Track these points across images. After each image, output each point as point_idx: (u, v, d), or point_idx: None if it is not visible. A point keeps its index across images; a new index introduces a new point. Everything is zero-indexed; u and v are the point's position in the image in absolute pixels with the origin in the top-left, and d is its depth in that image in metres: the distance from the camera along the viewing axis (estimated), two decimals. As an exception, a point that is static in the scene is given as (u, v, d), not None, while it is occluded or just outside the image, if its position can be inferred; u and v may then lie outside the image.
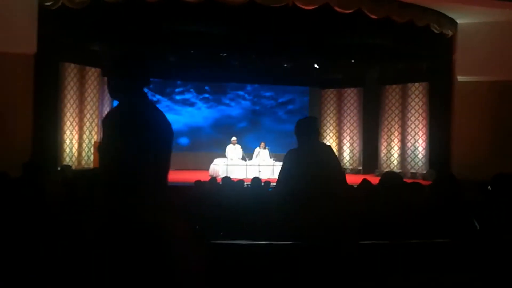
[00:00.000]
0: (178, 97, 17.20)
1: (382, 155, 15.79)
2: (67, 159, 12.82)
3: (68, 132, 12.99)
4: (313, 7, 11.37)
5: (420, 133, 14.87)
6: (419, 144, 14.91)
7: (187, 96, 17.32)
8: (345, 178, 4.20)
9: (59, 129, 12.67)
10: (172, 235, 2.76)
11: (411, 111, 15.08)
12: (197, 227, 4.67)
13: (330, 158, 4.11)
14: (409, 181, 5.91)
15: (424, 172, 14.43)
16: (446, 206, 4.12)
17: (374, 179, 6.82)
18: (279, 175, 4.24)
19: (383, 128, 15.82)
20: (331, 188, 3.86)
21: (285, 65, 14.79)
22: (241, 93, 17.96)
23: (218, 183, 8.91)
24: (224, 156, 14.30)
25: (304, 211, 3.70)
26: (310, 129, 4.18)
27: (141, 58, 2.96)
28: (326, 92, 17.49)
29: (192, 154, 16.49)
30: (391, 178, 4.46)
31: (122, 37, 12.89)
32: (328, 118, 17.41)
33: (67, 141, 12.96)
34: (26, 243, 3.26)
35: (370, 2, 11.65)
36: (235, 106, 17.85)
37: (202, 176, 11.78)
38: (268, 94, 18.27)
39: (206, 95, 17.60)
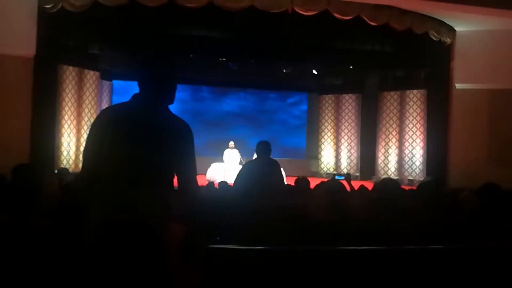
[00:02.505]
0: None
1: (380, 161, 15.82)
2: (65, 161, 12.82)
3: (66, 135, 12.98)
4: (312, 13, 11.41)
5: (418, 140, 14.91)
6: (416, 151, 14.95)
7: (185, 97, 17.33)
8: (284, 186, 5.43)
9: (57, 132, 12.66)
10: (156, 235, 2.75)
11: (409, 118, 15.12)
12: (218, 238, 4.67)
13: (274, 171, 5.60)
14: (406, 188, 5.93)
15: (422, 179, 14.44)
16: (435, 212, 4.14)
17: (371, 186, 6.84)
18: (236, 178, 5.64)
19: (380, 135, 15.86)
20: (270, 191, 4.99)
21: (284, 71, 14.82)
22: (242, 94, 17.92)
23: (215, 188, 8.91)
24: (221, 160, 14.29)
25: (250, 210, 4.41)
26: (264, 149, 5.80)
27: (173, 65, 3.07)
28: (325, 98, 17.52)
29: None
30: (387, 185, 4.49)
31: (121, 41, 12.92)
32: (326, 124, 17.44)
33: (65, 144, 12.95)
34: (21, 248, 3.25)
35: (370, 9, 11.69)
36: (234, 109, 17.83)
37: (200, 181, 11.80)
38: (271, 96, 18.28)
39: (204, 97, 17.60)
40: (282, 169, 5.94)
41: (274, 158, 6.22)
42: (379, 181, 4.94)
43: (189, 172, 2.96)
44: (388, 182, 4.82)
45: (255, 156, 6.30)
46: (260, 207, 4.38)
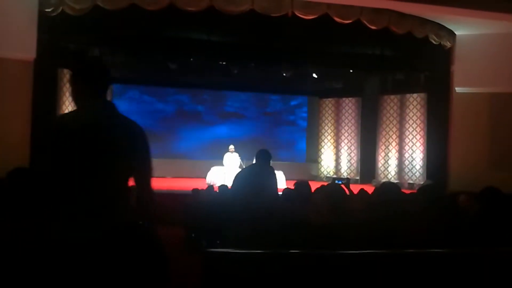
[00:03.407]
0: (173, 101, 17.18)
1: (380, 165, 15.81)
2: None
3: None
4: (312, 17, 11.43)
5: (418, 144, 14.90)
6: (416, 155, 14.94)
7: (184, 101, 17.31)
8: (276, 192, 5.67)
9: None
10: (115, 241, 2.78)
11: (409, 121, 15.11)
12: (193, 235, 4.72)
13: (270, 178, 5.74)
14: (406, 191, 5.93)
15: (422, 182, 14.43)
16: (436, 216, 4.13)
17: (371, 189, 6.83)
18: (233, 181, 5.81)
19: (381, 138, 15.85)
20: (263, 196, 5.24)
21: (284, 74, 14.80)
22: (243, 96, 17.88)
23: (215, 191, 8.91)
24: (222, 164, 14.27)
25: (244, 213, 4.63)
26: (263, 156, 6.02)
27: (100, 64, 3.16)
28: (325, 101, 17.52)
29: (189, 161, 16.49)
30: (388, 189, 4.48)
31: (122, 44, 12.92)
32: (326, 128, 17.44)
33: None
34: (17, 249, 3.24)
35: (370, 13, 11.71)
36: (235, 111, 17.82)
37: (200, 184, 11.79)
38: (273, 99, 18.26)
39: (205, 99, 17.57)
40: (282, 172, 6.10)
41: (272, 166, 6.29)
42: (379, 185, 4.93)
43: (143, 172, 2.95)
44: (388, 185, 4.82)
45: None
46: (258, 211, 4.39)
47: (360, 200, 4.91)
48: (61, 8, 11.10)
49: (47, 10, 11.20)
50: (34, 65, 11.36)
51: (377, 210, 4.08)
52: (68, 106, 13.08)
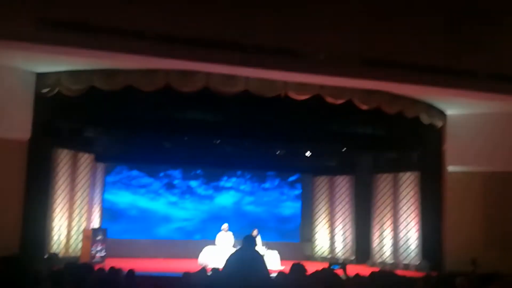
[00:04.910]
0: (167, 181, 17.11)
1: (375, 245, 15.59)
2: (55, 246, 12.55)
3: (57, 219, 12.76)
4: (305, 97, 11.64)
5: (412, 223, 14.74)
6: (411, 234, 14.75)
7: (178, 180, 17.25)
8: (268, 276, 5.71)
9: (49, 216, 12.45)
10: None
11: (403, 200, 15.04)
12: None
13: (258, 262, 5.76)
14: (401, 272, 5.81)
15: (417, 263, 14.19)
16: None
17: (367, 270, 6.70)
18: (222, 269, 5.87)
19: (375, 217, 15.71)
20: (253, 279, 5.36)
21: (278, 153, 14.93)
22: (239, 173, 17.87)
23: (207, 274, 8.70)
24: (216, 243, 14.03)
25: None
26: (249, 242, 6.00)
27: None
28: (318, 179, 17.50)
29: (182, 241, 16.22)
30: (381, 278, 4.39)
31: (116, 123, 13.04)
32: (320, 206, 17.30)
33: (56, 228, 12.71)
34: None
35: (361, 93, 11.94)
36: (228, 192, 17.74)
37: (192, 265, 11.56)
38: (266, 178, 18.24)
39: (199, 177, 17.51)
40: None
41: (257, 251, 6.32)
42: (373, 274, 4.82)
43: None
44: (384, 275, 4.71)
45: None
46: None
47: (357, 285, 4.79)
48: (57, 89, 11.28)
49: (43, 91, 11.37)
50: (29, 145, 11.39)
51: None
52: (61, 185, 12.96)
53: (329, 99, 11.82)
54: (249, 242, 6.25)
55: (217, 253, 13.47)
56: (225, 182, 17.66)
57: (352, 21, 11.03)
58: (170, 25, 10.01)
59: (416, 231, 14.65)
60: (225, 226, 14.25)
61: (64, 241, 12.94)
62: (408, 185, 14.97)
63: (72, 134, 13.19)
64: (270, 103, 11.75)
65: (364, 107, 12.07)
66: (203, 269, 8.49)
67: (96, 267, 7.45)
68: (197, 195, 17.25)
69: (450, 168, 13.75)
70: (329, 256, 16.54)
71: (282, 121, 12.90)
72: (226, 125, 13.24)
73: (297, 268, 5.73)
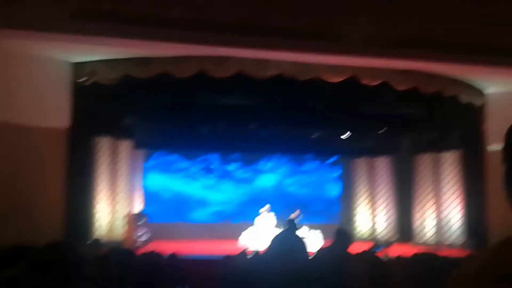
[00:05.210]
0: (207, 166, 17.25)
1: (417, 225, 15.44)
2: (99, 232, 12.84)
3: (100, 204, 13.06)
4: (340, 80, 11.54)
5: (455, 203, 14.53)
6: (454, 214, 14.55)
7: (215, 164, 17.37)
8: (307, 258, 5.86)
9: (92, 202, 12.76)
10: None
11: (445, 180, 14.82)
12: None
13: (299, 246, 5.91)
14: (445, 252, 5.76)
15: (460, 243, 14.01)
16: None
17: (410, 251, 6.67)
18: (265, 252, 6.12)
19: (416, 197, 15.54)
20: (294, 260, 5.53)
21: (314, 136, 14.85)
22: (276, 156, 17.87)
23: (249, 256, 8.79)
24: (256, 225, 14.10)
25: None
26: (291, 226, 6.34)
27: None
28: (357, 161, 17.40)
29: (222, 224, 16.40)
30: (425, 259, 4.37)
31: (153, 110, 13.19)
32: (360, 187, 17.22)
33: (99, 214, 13.01)
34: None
35: (397, 74, 11.76)
36: (267, 174, 17.76)
37: (233, 247, 11.65)
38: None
39: (236, 162, 17.59)
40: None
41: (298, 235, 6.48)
42: (416, 255, 4.78)
43: None
44: (426, 257, 4.66)
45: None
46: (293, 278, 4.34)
47: (399, 270, 4.74)
48: (93, 78, 11.46)
49: (79, 81, 11.57)
50: (70, 133, 11.63)
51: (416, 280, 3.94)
52: (102, 172, 13.21)
53: (365, 81, 11.69)
54: (291, 225, 6.34)
55: (257, 235, 13.55)
56: (263, 165, 17.71)
57: (387, 0, 10.84)
58: (203, 11, 10.02)
59: (459, 210, 14.44)
60: (265, 208, 14.31)
61: (107, 227, 13.23)
62: (449, 165, 14.73)
63: (111, 122, 13.43)
64: (304, 86, 11.68)
65: (401, 87, 11.90)
66: (244, 252, 8.59)
67: (139, 251, 7.61)
68: (235, 178, 17.37)
69: (491, 147, 13.47)
70: (370, 237, 16.46)
71: (317, 104, 12.82)
72: (261, 109, 13.24)
73: (342, 233, 5.90)
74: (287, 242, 5.90)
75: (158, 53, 10.98)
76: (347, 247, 5.80)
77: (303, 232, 13.89)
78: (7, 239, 7.06)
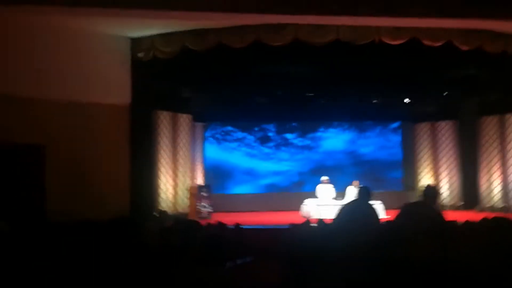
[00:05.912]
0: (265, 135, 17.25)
1: (483, 189, 14.99)
2: (163, 204, 13.12)
3: (163, 178, 13.33)
4: (400, 42, 11.15)
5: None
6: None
7: (271, 130, 17.31)
8: (378, 225, 5.70)
9: (155, 175, 13.03)
10: None
11: (511, 142, 14.27)
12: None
13: (371, 215, 5.82)
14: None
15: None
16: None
17: (476, 216, 6.47)
18: (335, 218, 5.88)
19: (482, 161, 15.05)
20: (365, 229, 5.23)
21: (374, 101, 14.57)
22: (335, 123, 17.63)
23: (313, 224, 8.75)
24: (315, 196, 14.04)
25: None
26: (363, 194, 6.24)
27: None
28: (419, 126, 16.97)
29: (281, 194, 16.44)
30: (495, 223, 4.19)
31: (211, 83, 13.25)
32: (423, 153, 16.83)
33: (162, 187, 13.29)
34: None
35: (461, 33, 11.25)
36: (326, 141, 17.58)
37: (294, 218, 11.66)
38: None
39: (295, 130, 17.48)
40: (380, 202, 5.99)
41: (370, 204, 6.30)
42: (485, 220, 4.58)
43: None
44: (496, 221, 4.44)
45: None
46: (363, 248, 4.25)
47: (469, 237, 4.53)
48: (152, 52, 11.54)
49: (139, 55, 11.69)
50: (131, 108, 11.82)
51: (489, 254, 3.74)
52: (163, 146, 13.44)
53: (427, 42, 11.25)
54: (363, 194, 6.24)
55: (319, 205, 13.50)
56: (322, 133, 17.50)
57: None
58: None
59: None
60: (324, 178, 14.17)
61: (171, 199, 13.51)
62: (516, 126, 14.16)
63: (170, 96, 13.59)
64: (363, 50, 11.35)
65: (465, 47, 11.38)
66: (307, 221, 8.56)
67: (204, 222, 7.70)
68: (294, 146, 17.27)
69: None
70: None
71: (376, 68, 12.50)
72: (318, 76, 13.07)
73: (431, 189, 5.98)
74: (358, 211, 5.81)
75: (214, 24, 10.92)
76: (436, 202, 5.74)
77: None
78: (76, 215, 7.31)
